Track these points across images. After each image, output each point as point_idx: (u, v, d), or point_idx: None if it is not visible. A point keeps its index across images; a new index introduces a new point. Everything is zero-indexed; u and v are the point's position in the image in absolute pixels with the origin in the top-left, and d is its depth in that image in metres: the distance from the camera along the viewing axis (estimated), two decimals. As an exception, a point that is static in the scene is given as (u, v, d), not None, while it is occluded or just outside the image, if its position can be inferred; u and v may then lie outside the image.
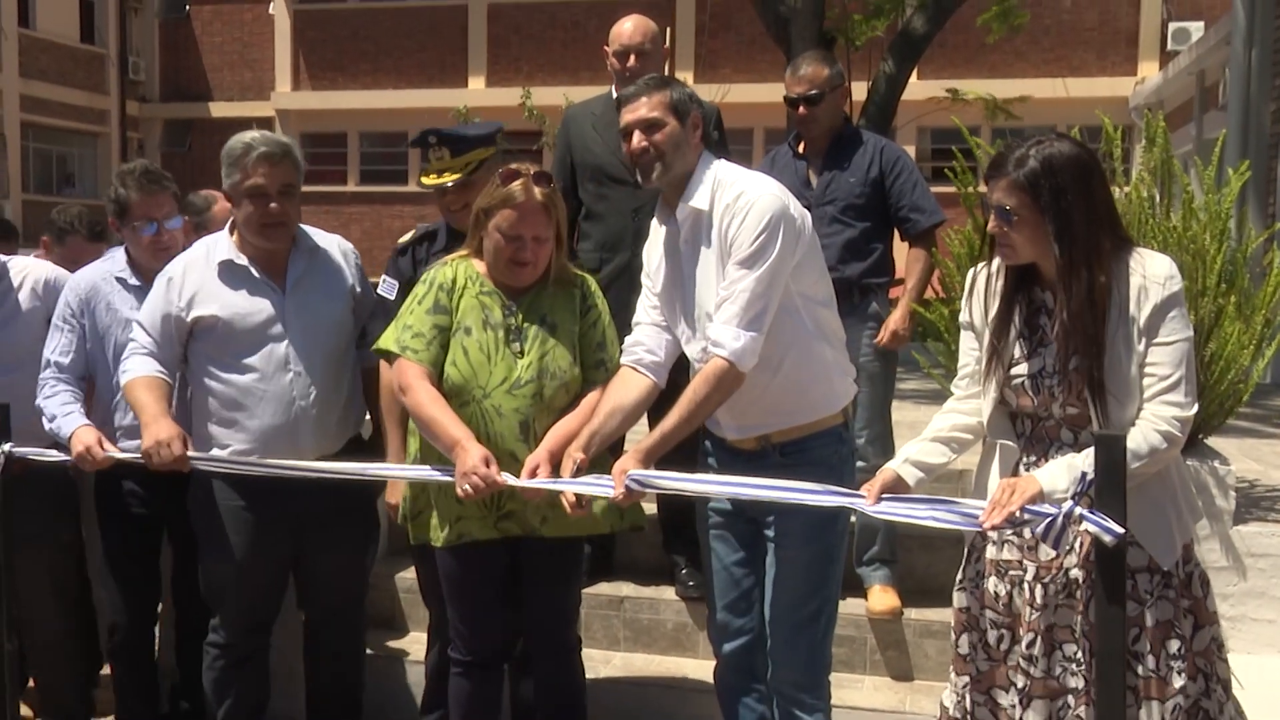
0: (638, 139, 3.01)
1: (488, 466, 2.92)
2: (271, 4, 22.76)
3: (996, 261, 2.67)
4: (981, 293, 2.72)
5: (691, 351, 3.08)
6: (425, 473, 3.19)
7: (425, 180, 3.53)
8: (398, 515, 3.41)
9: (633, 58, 4.24)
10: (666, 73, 4.08)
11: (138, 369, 3.42)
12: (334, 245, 3.64)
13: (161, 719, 3.96)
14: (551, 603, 3.31)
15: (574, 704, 3.41)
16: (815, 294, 3.03)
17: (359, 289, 3.61)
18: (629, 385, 3.09)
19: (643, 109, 3.00)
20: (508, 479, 2.95)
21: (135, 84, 24.27)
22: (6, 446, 3.42)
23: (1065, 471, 2.44)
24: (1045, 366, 2.58)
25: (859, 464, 4.25)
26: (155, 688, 3.94)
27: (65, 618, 3.92)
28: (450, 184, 3.52)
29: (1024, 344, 2.63)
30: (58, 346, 3.66)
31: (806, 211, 3.05)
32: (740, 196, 2.92)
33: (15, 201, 20.30)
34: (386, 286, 3.58)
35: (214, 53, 24.21)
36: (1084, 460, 2.42)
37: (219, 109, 22.84)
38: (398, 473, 3.35)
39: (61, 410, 3.53)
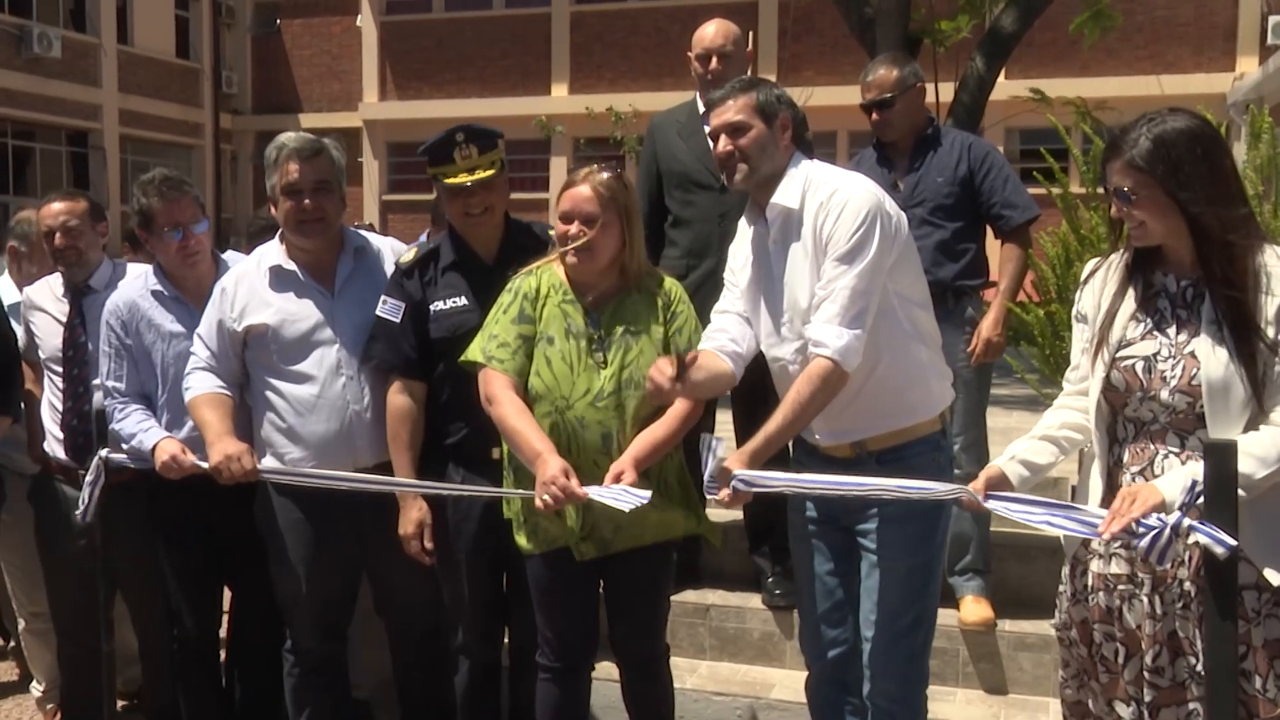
0: (723, 143, 2.98)
1: (568, 478, 2.90)
2: (359, 17, 23.15)
3: (1114, 256, 2.61)
4: (1098, 281, 2.65)
5: (781, 353, 3.01)
6: (503, 489, 3.17)
7: (454, 180, 3.29)
8: (415, 546, 3.36)
9: (715, 60, 4.21)
10: (750, 75, 4.04)
11: (199, 386, 3.46)
12: (386, 246, 3.63)
13: None
14: (641, 611, 3.29)
15: (661, 713, 3.39)
16: (912, 294, 2.97)
17: None
18: (715, 359, 3.02)
19: (728, 113, 2.96)
20: (590, 492, 2.91)
21: (228, 97, 24.84)
22: (104, 452, 3.48)
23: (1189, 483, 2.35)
24: (1160, 350, 2.50)
25: (954, 471, 4.18)
26: (221, 702, 3.92)
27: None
28: (484, 179, 3.30)
29: (1139, 326, 2.55)
30: (110, 372, 3.65)
31: (901, 211, 2.99)
32: (835, 194, 2.87)
33: (114, 213, 20.84)
34: (389, 308, 3.37)
35: (303, 66, 24.68)
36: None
37: (308, 120, 23.25)
38: (476, 489, 3.28)
39: (139, 428, 3.55)
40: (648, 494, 2.90)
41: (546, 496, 2.90)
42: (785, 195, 2.95)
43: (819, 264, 2.87)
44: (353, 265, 3.52)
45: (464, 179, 3.29)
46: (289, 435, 3.44)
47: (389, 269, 3.55)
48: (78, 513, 3.54)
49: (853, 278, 2.80)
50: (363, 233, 3.69)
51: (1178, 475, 2.40)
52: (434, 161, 3.33)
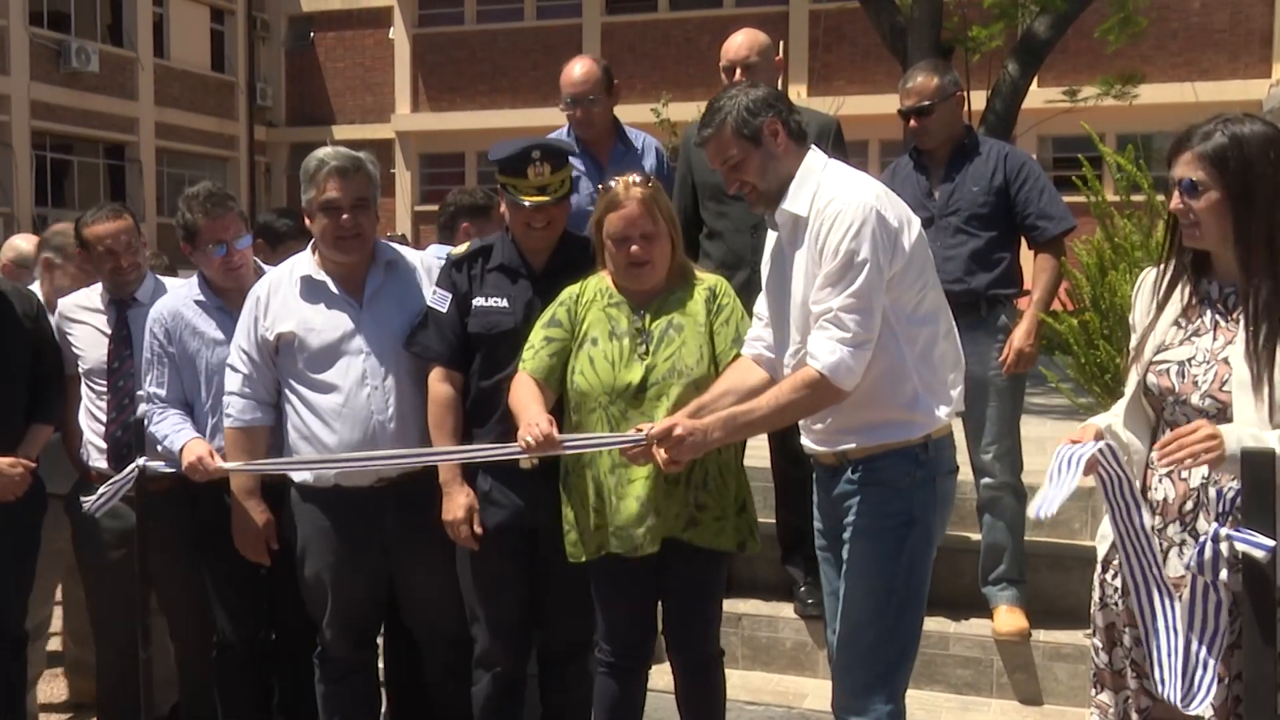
0: (730, 180, 2.98)
1: (550, 427, 2.97)
2: (391, 29, 23.33)
3: (1167, 264, 2.60)
4: (1149, 291, 2.63)
5: (785, 357, 2.98)
6: (483, 453, 3.20)
7: (531, 200, 3.33)
8: (464, 531, 3.37)
9: (739, 72, 4.21)
10: (780, 86, 4.04)
11: (234, 417, 3.54)
12: (418, 259, 3.65)
13: None
14: (691, 611, 3.33)
15: (714, 715, 3.42)
16: (914, 310, 2.83)
17: None
18: (746, 372, 3.07)
19: (719, 151, 2.93)
20: (571, 440, 3.02)
21: (262, 110, 25.09)
22: (141, 460, 3.52)
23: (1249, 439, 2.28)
24: (1196, 355, 2.48)
25: (986, 480, 4.17)
26: (260, 702, 3.95)
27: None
28: (558, 199, 3.37)
29: (1179, 331, 2.53)
30: (153, 379, 3.71)
31: (914, 219, 2.87)
32: (831, 202, 2.79)
33: (150, 224, 21.11)
34: (438, 298, 3.44)
35: (337, 78, 24.87)
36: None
37: (342, 132, 23.45)
38: (453, 457, 3.31)
39: (173, 430, 3.61)
40: (632, 434, 2.94)
41: (528, 437, 2.96)
42: (793, 202, 2.89)
43: (815, 272, 2.81)
44: (383, 278, 3.55)
45: (537, 199, 3.34)
46: (313, 443, 3.47)
47: (422, 283, 3.59)
48: (86, 503, 3.57)
49: (845, 298, 2.71)
50: (396, 246, 3.72)
51: (1239, 429, 2.32)
52: (505, 172, 3.38)
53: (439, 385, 3.40)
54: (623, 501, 3.14)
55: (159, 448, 3.62)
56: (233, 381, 3.56)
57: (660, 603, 3.38)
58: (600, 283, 3.27)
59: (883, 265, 2.73)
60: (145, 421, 3.66)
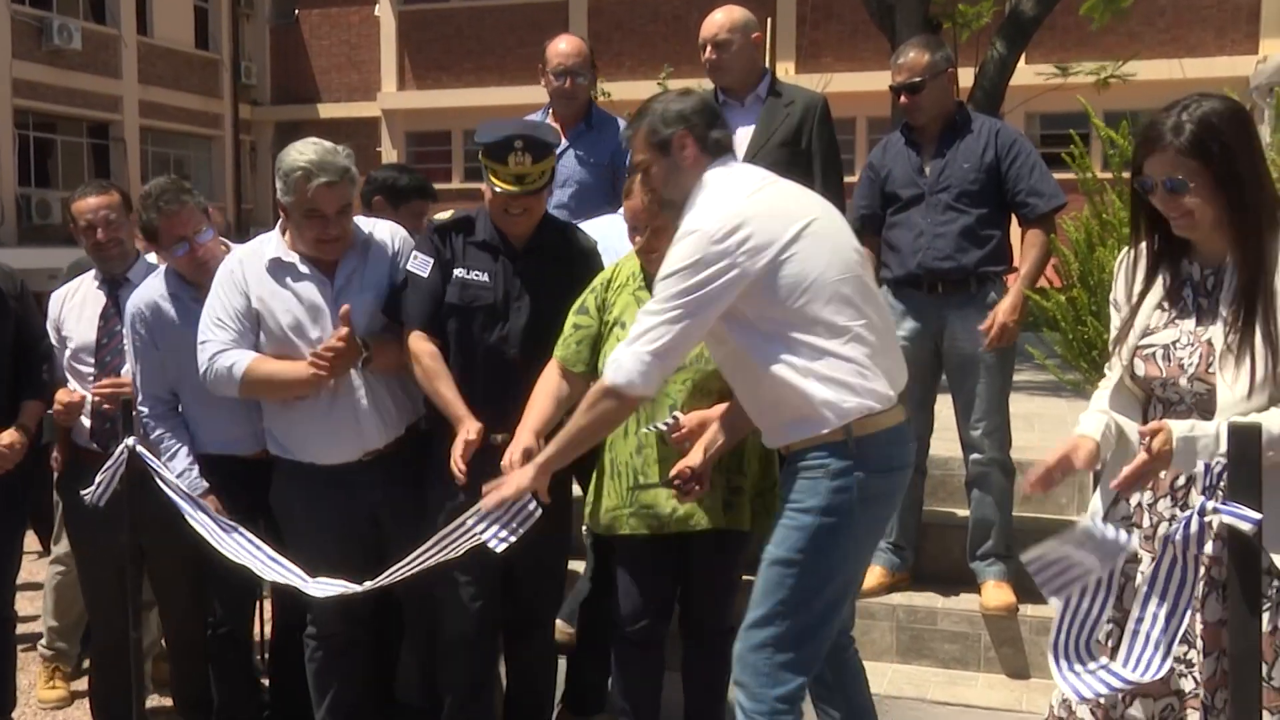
0: (637, 188, 3.08)
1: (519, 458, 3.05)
2: (377, 6, 23.19)
3: (1144, 245, 2.58)
4: (1130, 270, 2.62)
5: None
6: (465, 532, 3.03)
7: (506, 186, 3.34)
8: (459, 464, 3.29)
9: (709, 49, 4.19)
10: (766, 63, 4.01)
11: (238, 362, 3.43)
12: (387, 234, 3.61)
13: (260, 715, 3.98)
14: (713, 589, 3.38)
15: (716, 689, 3.45)
16: (798, 314, 2.69)
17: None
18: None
19: (634, 151, 2.96)
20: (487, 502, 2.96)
21: (247, 88, 24.92)
22: (130, 440, 3.50)
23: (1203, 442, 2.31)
24: (1180, 338, 2.48)
25: (975, 456, 4.18)
26: (254, 684, 3.99)
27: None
28: (530, 190, 3.37)
29: (1163, 314, 2.53)
30: (140, 372, 3.70)
31: (808, 227, 2.72)
32: (693, 218, 2.76)
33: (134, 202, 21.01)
34: (419, 263, 3.43)
35: (322, 56, 24.73)
36: (1212, 440, 2.29)
37: (327, 110, 23.35)
38: (437, 555, 3.09)
39: (168, 454, 3.64)
40: (510, 538, 2.92)
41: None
42: (688, 216, 2.81)
43: None
44: (357, 260, 3.52)
45: (511, 187, 3.35)
46: (288, 421, 3.48)
47: (392, 253, 3.56)
48: (87, 494, 3.54)
49: (653, 302, 2.72)
50: (363, 223, 3.64)
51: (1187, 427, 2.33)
52: (487, 155, 3.38)
53: (422, 343, 3.38)
54: (650, 482, 3.20)
55: (167, 479, 3.55)
56: (218, 340, 3.46)
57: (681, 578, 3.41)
58: (632, 265, 3.31)
59: (707, 286, 2.66)
60: (144, 426, 3.66)
